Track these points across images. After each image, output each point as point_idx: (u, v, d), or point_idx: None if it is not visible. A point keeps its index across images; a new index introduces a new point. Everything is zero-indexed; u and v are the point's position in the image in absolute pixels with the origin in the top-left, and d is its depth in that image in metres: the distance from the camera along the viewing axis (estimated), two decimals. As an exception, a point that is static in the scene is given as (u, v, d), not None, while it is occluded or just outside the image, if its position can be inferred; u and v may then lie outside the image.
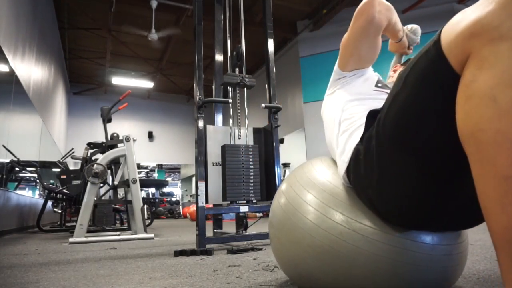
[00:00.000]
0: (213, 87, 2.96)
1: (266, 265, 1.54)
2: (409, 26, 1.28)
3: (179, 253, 1.99)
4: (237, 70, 2.70)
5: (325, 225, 0.86)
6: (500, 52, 0.49)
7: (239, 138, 2.57)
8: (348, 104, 1.04)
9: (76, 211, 4.09)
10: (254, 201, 2.42)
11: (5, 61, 3.83)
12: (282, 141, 8.37)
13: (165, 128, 12.77)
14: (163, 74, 10.79)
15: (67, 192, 4.62)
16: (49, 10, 6.87)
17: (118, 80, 10.06)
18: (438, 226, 0.81)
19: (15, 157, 5.14)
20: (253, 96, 4.64)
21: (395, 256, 0.79)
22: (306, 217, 0.90)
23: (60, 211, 5.65)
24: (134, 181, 3.39)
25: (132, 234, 3.41)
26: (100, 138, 4.27)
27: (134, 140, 3.52)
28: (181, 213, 10.70)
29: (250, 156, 2.43)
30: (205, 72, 2.80)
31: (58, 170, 5.39)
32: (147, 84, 10.71)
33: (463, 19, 0.54)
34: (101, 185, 4.06)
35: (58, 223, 5.88)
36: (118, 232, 3.65)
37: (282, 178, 2.45)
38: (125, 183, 3.62)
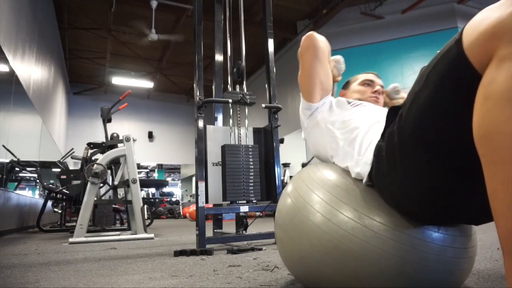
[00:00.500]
0: (213, 87, 2.96)
1: (266, 265, 1.54)
2: (333, 57, 1.36)
3: (179, 253, 1.99)
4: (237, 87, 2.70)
5: (336, 219, 0.86)
6: None
7: (239, 138, 2.57)
8: (337, 120, 1.11)
9: (76, 211, 4.08)
10: (254, 201, 2.42)
11: (5, 61, 3.83)
12: (282, 141, 8.36)
13: (165, 128, 12.76)
14: (163, 74, 10.78)
15: (67, 192, 4.62)
16: (49, 10, 6.87)
17: (118, 80, 10.06)
18: (459, 221, 0.82)
19: (15, 157, 5.14)
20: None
21: (403, 254, 0.79)
22: (318, 211, 0.90)
23: (60, 211, 5.66)
24: (134, 181, 3.39)
25: (132, 234, 3.41)
26: (100, 138, 4.27)
27: (134, 140, 3.52)
28: (181, 213, 10.70)
29: (250, 156, 2.43)
30: (205, 72, 2.80)
31: (58, 170, 5.39)
32: (147, 84, 10.71)
33: (485, 18, 0.53)
34: (101, 185, 4.06)
35: (58, 223, 5.88)
36: (118, 232, 3.65)
37: (282, 178, 2.45)
38: (125, 183, 3.62)
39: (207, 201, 2.40)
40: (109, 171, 3.97)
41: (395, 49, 7.35)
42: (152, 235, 3.30)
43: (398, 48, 7.33)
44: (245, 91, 2.60)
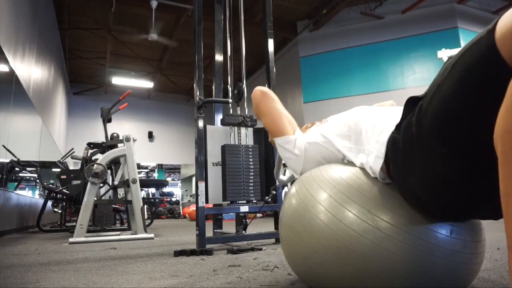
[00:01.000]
0: (213, 87, 2.96)
1: (266, 265, 1.54)
2: None
3: (179, 253, 1.99)
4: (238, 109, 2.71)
5: (347, 219, 0.85)
6: None
7: (239, 138, 2.57)
8: (327, 127, 1.15)
9: (76, 211, 4.08)
10: (254, 201, 2.42)
11: (5, 61, 3.83)
12: (282, 141, 8.36)
13: (165, 128, 12.77)
14: (163, 74, 10.78)
15: (67, 192, 4.62)
16: (49, 10, 6.87)
17: (118, 80, 10.06)
18: (477, 215, 0.81)
19: (15, 157, 5.15)
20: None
21: (412, 258, 0.78)
22: (328, 210, 0.89)
23: (60, 211, 5.66)
24: (134, 181, 3.39)
25: (132, 234, 3.41)
26: (100, 138, 4.27)
27: (134, 140, 3.52)
28: (181, 213, 10.70)
29: (250, 156, 2.43)
30: (205, 72, 2.80)
31: (58, 170, 5.39)
32: (147, 84, 10.71)
33: None
34: (101, 185, 4.06)
35: (58, 223, 5.88)
36: (118, 232, 3.65)
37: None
38: (125, 183, 3.62)
39: (207, 201, 2.40)
40: (109, 171, 3.97)
41: (395, 49, 7.35)
42: (152, 235, 3.30)
43: (398, 48, 7.33)
44: (246, 112, 2.63)
